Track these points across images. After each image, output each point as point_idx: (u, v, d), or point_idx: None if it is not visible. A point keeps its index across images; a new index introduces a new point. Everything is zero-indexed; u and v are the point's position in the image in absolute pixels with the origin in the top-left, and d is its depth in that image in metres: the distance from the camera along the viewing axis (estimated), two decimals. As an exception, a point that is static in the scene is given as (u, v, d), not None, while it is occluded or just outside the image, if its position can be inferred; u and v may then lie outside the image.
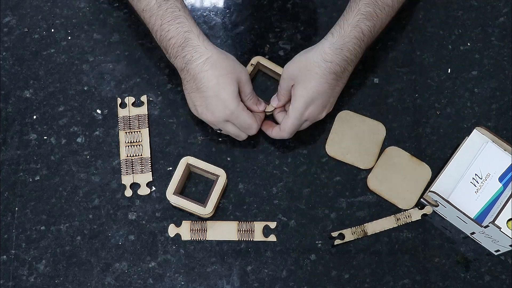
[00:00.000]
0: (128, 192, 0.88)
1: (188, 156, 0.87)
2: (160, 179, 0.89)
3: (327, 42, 0.85)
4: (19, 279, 0.84)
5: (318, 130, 0.92)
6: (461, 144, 0.88)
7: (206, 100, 0.83)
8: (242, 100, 0.85)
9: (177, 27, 0.84)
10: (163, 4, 0.84)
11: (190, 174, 0.90)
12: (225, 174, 0.87)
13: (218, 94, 0.82)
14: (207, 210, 0.85)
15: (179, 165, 0.87)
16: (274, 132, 0.88)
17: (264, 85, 0.94)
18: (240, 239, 0.86)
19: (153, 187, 0.89)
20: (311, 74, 0.84)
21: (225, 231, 0.87)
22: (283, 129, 0.86)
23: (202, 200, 0.86)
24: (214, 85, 0.82)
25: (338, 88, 0.87)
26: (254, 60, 0.93)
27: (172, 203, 0.87)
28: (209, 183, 0.89)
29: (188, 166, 0.87)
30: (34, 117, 0.92)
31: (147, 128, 0.91)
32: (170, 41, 0.84)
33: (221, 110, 0.83)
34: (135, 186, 0.89)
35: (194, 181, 0.89)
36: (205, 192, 0.88)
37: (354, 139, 0.91)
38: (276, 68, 0.92)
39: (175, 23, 0.84)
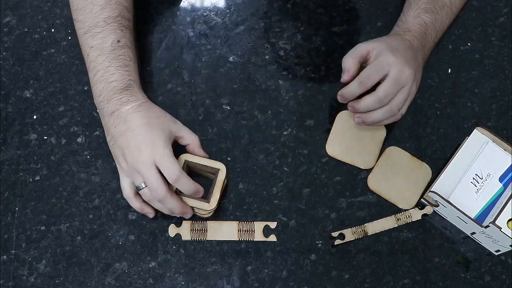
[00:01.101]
0: None
1: (186, 153, 0.87)
2: (160, 179, 0.89)
3: (394, 29, 0.88)
4: (19, 279, 0.84)
5: (318, 130, 0.92)
6: (461, 144, 0.88)
7: (134, 138, 0.79)
8: (187, 146, 0.84)
9: (123, 74, 0.82)
10: (118, 49, 0.83)
11: (191, 175, 0.89)
12: (225, 167, 0.86)
13: (149, 132, 0.79)
14: (212, 204, 0.84)
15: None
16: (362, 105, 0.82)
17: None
18: (240, 239, 0.86)
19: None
20: (390, 39, 0.84)
21: (225, 231, 0.87)
22: (381, 89, 0.80)
23: (204, 198, 0.86)
24: (145, 123, 0.80)
25: (416, 56, 0.84)
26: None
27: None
28: (209, 183, 0.89)
29: (187, 163, 0.87)
30: (34, 117, 0.92)
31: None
32: (110, 84, 0.82)
33: (150, 148, 0.79)
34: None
35: (194, 181, 0.89)
36: (205, 191, 0.88)
37: (354, 139, 0.91)
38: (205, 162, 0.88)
39: (123, 70, 0.82)
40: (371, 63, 0.81)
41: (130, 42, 0.85)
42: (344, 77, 0.82)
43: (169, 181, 0.79)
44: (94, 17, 0.84)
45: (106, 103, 0.82)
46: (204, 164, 0.86)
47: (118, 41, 0.83)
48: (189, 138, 0.84)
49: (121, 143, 0.81)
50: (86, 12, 0.84)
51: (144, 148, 0.79)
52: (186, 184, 0.80)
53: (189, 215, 0.84)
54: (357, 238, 0.86)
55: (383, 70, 0.80)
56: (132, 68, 0.84)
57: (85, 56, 0.85)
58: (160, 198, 0.79)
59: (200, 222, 0.87)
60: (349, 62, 0.81)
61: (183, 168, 0.85)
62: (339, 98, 0.83)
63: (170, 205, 0.81)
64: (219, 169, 0.85)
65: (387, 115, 0.82)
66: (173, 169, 0.79)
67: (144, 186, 0.80)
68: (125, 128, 0.80)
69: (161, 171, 0.79)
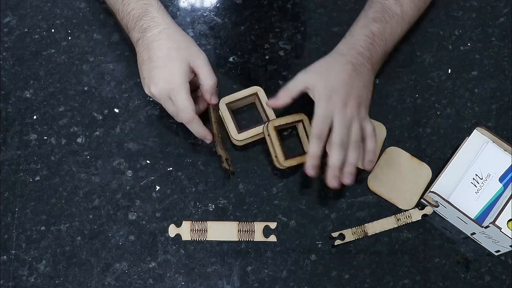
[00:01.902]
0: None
1: (223, 97, 0.89)
2: (160, 179, 0.89)
3: (340, 43, 0.87)
4: (19, 279, 0.84)
5: (318, 130, 0.92)
6: (461, 144, 0.88)
7: (153, 70, 0.82)
8: (200, 85, 0.84)
9: (137, 1, 0.85)
10: None
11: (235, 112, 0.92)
12: (260, 87, 0.89)
13: (166, 65, 0.82)
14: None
15: (221, 109, 0.88)
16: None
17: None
18: (240, 239, 0.86)
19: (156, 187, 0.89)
20: (328, 68, 0.84)
21: (225, 231, 0.87)
22: (312, 127, 0.81)
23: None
24: (164, 56, 0.82)
25: (358, 82, 0.84)
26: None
27: (240, 142, 0.88)
28: (209, 183, 0.89)
29: (228, 106, 0.88)
30: (34, 117, 0.92)
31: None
32: (129, 14, 0.85)
33: (165, 83, 0.81)
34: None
35: (194, 181, 0.89)
36: (205, 191, 0.88)
37: (354, 139, 0.91)
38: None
39: None
40: (314, 115, 0.81)
41: None
42: (273, 102, 0.84)
43: (182, 121, 0.83)
44: None
45: (132, 32, 0.86)
46: (240, 97, 0.89)
47: None
48: (203, 80, 0.84)
49: (142, 72, 0.84)
50: None
51: (160, 82, 0.82)
52: (196, 128, 0.83)
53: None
54: (357, 239, 0.86)
55: (329, 120, 0.81)
56: None
57: (112, 8, 0.90)
58: (180, 119, 0.84)
59: (200, 222, 0.87)
60: (285, 97, 0.84)
61: (227, 111, 0.88)
62: (310, 173, 0.82)
63: (192, 129, 0.84)
64: (256, 92, 0.88)
65: (357, 150, 0.82)
66: (185, 111, 0.82)
67: None
68: (147, 57, 0.83)
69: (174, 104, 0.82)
